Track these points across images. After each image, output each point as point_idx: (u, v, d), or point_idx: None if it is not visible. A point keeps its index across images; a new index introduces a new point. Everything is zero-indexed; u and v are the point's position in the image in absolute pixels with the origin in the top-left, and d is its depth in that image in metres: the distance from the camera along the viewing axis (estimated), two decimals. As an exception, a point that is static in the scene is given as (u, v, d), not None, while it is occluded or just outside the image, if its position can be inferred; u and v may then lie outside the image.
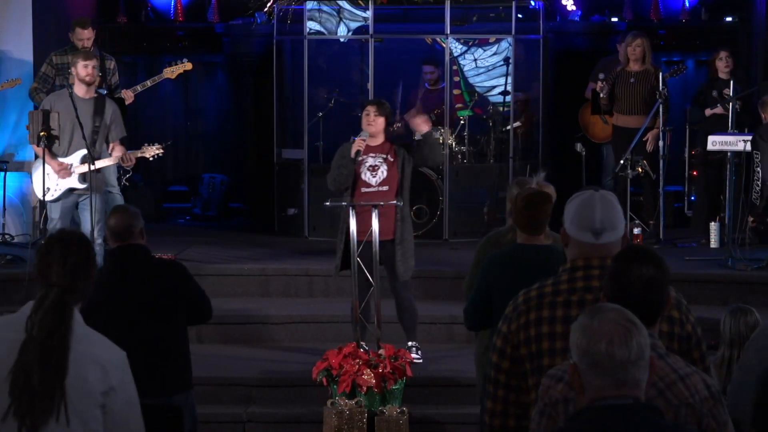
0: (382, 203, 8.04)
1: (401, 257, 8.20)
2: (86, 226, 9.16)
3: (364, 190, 8.21)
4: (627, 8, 13.36)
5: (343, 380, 7.52)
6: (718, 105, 10.67)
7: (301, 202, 11.73)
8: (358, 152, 8.16)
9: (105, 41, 12.05)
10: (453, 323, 8.80)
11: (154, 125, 13.83)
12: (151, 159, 9.38)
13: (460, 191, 11.55)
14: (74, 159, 9.03)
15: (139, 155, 9.22)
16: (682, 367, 3.45)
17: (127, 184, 11.30)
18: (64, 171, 9.08)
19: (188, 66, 10.48)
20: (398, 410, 7.50)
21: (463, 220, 11.52)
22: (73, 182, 9.05)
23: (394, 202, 8.09)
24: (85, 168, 9.01)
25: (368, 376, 7.51)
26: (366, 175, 8.24)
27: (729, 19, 13.28)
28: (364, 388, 7.50)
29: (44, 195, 9.11)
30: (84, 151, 8.96)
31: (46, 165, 9.05)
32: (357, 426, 7.41)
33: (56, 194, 9.15)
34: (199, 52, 13.18)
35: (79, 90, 9.14)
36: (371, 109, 8.33)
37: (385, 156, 8.26)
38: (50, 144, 8.92)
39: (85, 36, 10.20)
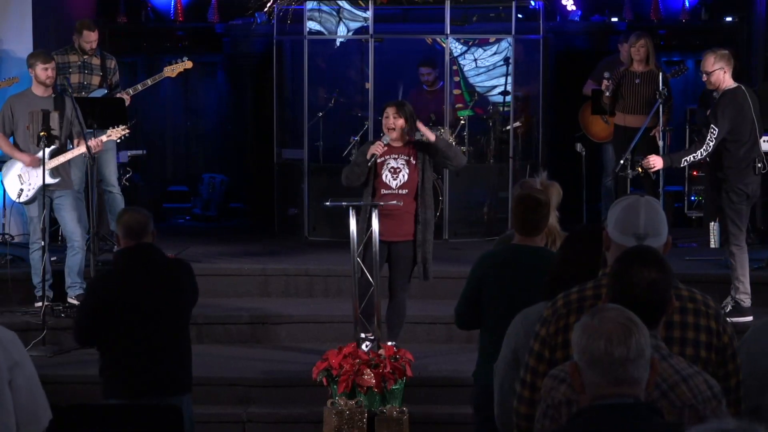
0: (382, 203, 7.98)
1: (421, 260, 8.12)
2: (67, 227, 9.15)
3: (384, 191, 8.08)
4: (627, 8, 13.35)
5: (343, 380, 7.51)
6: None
7: (301, 202, 11.71)
8: (373, 155, 8.03)
9: (105, 41, 12.04)
10: (453, 323, 8.76)
11: (154, 125, 13.83)
12: (118, 140, 9.48)
13: (460, 191, 11.54)
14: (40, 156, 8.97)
15: (105, 139, 9.25)
16: (684, 368, 3.45)
17: (127, 184, 11.30)
18: (35, 161, 9.07)
19: (188, 65, 10.50)
20: (398, 410, 7.49)
21: (463, 220, 11.51)
22: (46, 179, 8.95)
23: (394, 202, 8.03)
24: (55, 162, 9.03)
25: (368, 376, 7.50)
26: (387, 177, 8.09)
27: (729, 19, 13.27)
28: (364, 388, 7.49)
29: (19, 197, 9.21)
30: (53, 147, 8.95)
31: (16, 162, 9.17)
32: (357, 426, 7.41)
33: (30, 194, 9.15)
34: (199, 52, 13.16)
35: (38, 90, 9.28)
36: (390, 111, 8.13)
37: (407, 158, 8.11)
38: (50, 143, 8.90)
39: (92, 38, 10.24)
